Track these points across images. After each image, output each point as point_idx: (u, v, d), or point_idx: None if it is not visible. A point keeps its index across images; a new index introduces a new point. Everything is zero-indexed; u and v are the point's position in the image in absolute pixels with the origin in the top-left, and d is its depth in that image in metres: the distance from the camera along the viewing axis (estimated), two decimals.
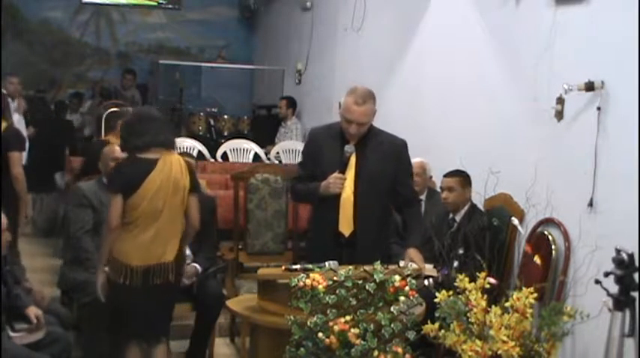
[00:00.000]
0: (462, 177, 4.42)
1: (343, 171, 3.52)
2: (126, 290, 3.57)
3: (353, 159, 3.56)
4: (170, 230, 3.65)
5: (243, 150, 7.77)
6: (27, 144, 6.29)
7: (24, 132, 6.28)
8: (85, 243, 4.37)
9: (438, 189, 5.05)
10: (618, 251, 2.40)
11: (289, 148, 7.77)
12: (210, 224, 4.64)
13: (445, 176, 4.49)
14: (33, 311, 3.60)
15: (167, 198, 3.61)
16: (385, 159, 3.60)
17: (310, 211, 3.97)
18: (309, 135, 3.87)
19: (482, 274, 3.02)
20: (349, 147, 3.52)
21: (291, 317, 2.87)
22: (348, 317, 2.85)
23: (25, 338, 3.53)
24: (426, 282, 3.94)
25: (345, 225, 3.56)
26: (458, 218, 4.41)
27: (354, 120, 3.50)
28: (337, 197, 3.54)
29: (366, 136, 3.59)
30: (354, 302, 2.93)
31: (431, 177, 5.09)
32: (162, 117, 3.93)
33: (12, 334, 3.52)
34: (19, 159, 4.96)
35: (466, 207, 4.41)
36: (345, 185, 3.54)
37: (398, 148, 3.67)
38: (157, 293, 3.62)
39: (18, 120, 6.17)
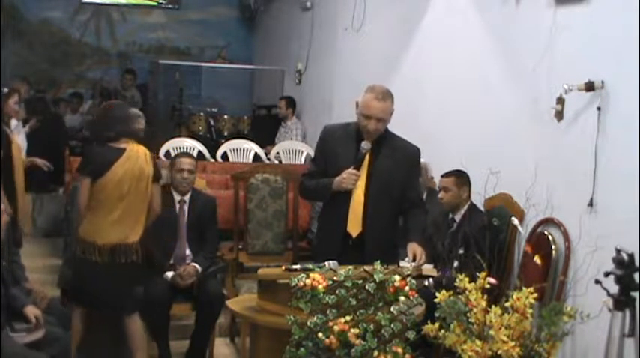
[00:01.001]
0: (457, 177, 4.41)
1: (358, 167, 3.51)
2: (93, 267, 3.89)
3: (366, 161, 3.55)
4: (134, 213, 3.99)
5: (243, 150, 7.76)
6: (25, 144, 6.31)
7: (22, 136, 6.29)
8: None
9: (437, 189, 5.05)
10: (618, 251, 2.40)
11: (289, 148, 7.77)
12: (210, 224, 4.66)
13: (442, 176, 4.50)
14: (32, 311, 3.61)
15: (132, 184, 3.95)
16: (398, 164, 3.60)
17: (313, 210, 3.96)
18: (323, 131, 3.79)
19: (483, 274, 3.02)
20: (366, 144, 3.51)
21: (291, 317, 2.86)
22: (348, 317, 2.85)
23: (25, 337, 3.53)
24: (426, 282, 3.94)
25: (354, 226, 3.56)
26: (457, 218, 4.41)
27: (373, 115, 3.49)
28: (348, 197, 3.54)
29: (382, 139, 3.59)
30: (354, 302, 2.93)
31: (432, 177, 5.09)
32: (130, 110, 4.28)
33: (11, 334, 3.52)
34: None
35: (465, 207, 4.41)
36: (357, 185, 3.53)
37: (412, 155, 3.69)
38: (122, 271, 3.92)
39: (15, 126, 6.15)
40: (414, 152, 3.70)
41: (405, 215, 3.71)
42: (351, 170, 3.49)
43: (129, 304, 4.03)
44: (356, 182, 3.50)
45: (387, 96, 3.55)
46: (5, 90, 4.88)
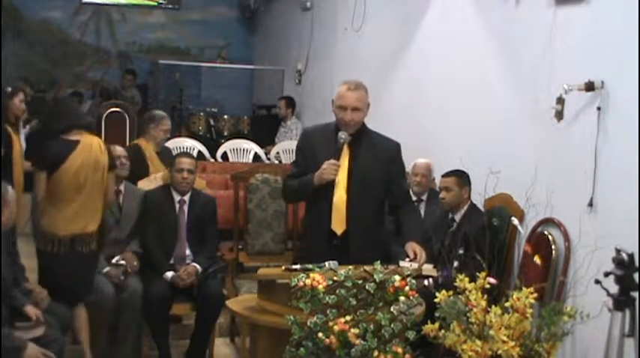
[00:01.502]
0: (458, 177, 4.42)
1: (337, 158, 3.52)
2: (53, 258, 4.02)
3: (346, 157, 3.56)
4: (92, 203, 4.13)
5: (243, 150, 7.77)
6: (24, 145, 6.29)
7: (22, 136, 6.28)
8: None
9: (438, 189, 5.05)
10: (618, 251, 2.40)
11: (289, 148, 7.77)
12: (210, 224, 4.65)
13: (443, 176, 4.49)
14: (31, 310, 3.62)
15: (88, 175, 4.08)
16: (378, 159, 3.61)
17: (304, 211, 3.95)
18: (302, 133, 3.88)
19: (483, 274, 3.02)
20: (343, 134, 3.52)
21: (291, 317, 2.86)
22: (348, 317, 2.85)
23: (25, 334, 3.53)
24: (425, 282, 3.94)
25: (338, 224, 3.56)
26: (457, 218, 4.41)
27: (347, 105, 3.52)
28: (330, 194, 3.55)
29: (360, 135, 3.60)
30: (354, 302, 2.93)
31: (434, 178, 5.09)
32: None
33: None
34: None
35: (465, 207, 4.41)
36: (339, 180, 3.53)
37: (392, 149, 3.69)
38: (82, 261, 4.07)
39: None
40: (394, 146, 3.70)
41: (397, 213, 3.71)
42: (330, 160, 3.49)
43: (86, 292, 4.15)
44: (336, 172, 3.49)
45: (359, 86, 3.58)
46: (9, 89, 4.88)
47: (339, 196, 3.55)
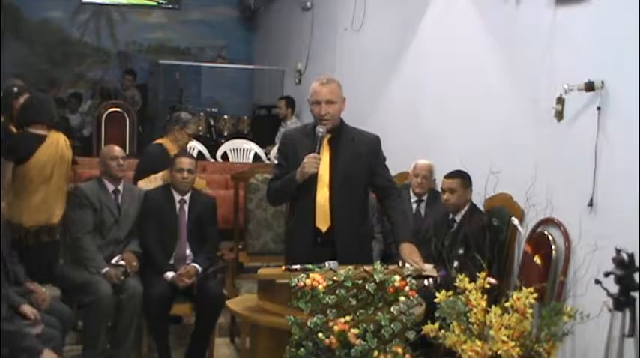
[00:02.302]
0: (463, 179, 4.41)
1: (318, 152, 3.52)
2: (19, 247, 4.14)
3: (327, 154, 3.58)
4: (57, 196, 4.40)
5: (243, 150, 7.78)
6: None
7: None
8: (85, 243, 4.39)
9: (439, 190, 5.05)
10: (618, 251, 2.40)
11: None
12: (211, 224, 4.65)
13: (446, 177, 4.47)
14: (28, 309, 3.63)
15: (55, 168, 4.36)
16: (359, 154, 3.63)
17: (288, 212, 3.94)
18: (282, 136, 3.87)
19: (483, 274, 3.02)
20: (321, 127, 3.54)
21: (291, 317, 2.86)
22: (348, 317, 2.85)
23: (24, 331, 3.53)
24: (425, 282, 3.94)
25: (322, 221, 3.57)
26: (458, 218, 4.40)
27: (321, 99, 3.55)
28: (313, 192, 3.56)
29: (339, 130, 3.63)
30: (354, 302, 2.93)
31: (434, 179, 5.09)
32: (49, 100, 4.77)
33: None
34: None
35: (466, 208, 4.41)
36: (320, 178, 3.54)
37: (371, 143, 3.71)
38: (45, 250, 4.32)
39: None
40: (373, 139, 3.72)
41: (384, 206, 3.74)
42: (310, 154, 3.50)
43: (49, 279, 4.27)
44: (318, 165, 3.50)
45: (331, 80, 3.63)
46: (15, 89, 4.93)
47: (322, 193, 3.57)
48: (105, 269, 4.32)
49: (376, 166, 3.70)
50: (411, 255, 3.45)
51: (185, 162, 4.56)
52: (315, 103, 3.58)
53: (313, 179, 3.54)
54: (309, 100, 3.64)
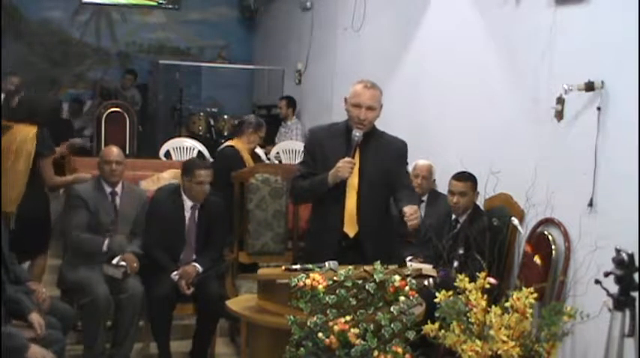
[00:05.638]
0: (473, 182, 4.37)
1: (352, 157, 3.50)
2: None
3: (357, 159, 3.55)
4: (15, 187, 4.53)
5: None
6: None
7: None
8: (81, 243, 4.39)
9: (439, 190, 5.05)
10: (618, 251, 2.40)
11: (289, 148, 7.77)
12: (215, 226, 4.61)
13: (457, 180, 4.40)
14: (36, 319, 3.59)
15: (10, 160, 4.51)
16: (388, 160, 3.61)
17: (310, 212, 3.92)
18: (309, 133, 3.85)
19: (483, 274, 3.02)
20: (357, 131, 3.51)
21: (291, 317, 2.86)
22: (348, 317, 2.85)
23: (25, 334, 3.53)
24: (425, 282, 3.93)
25: (350, 226, 3.55)
26: (461, 219, 4.39)
27: (362, 103, 3.51)
28: (341, 196, 3.53)
29: (370, 135, 3.59)
30: (354, 302, 2.92)
31: (434, 180, 5.09)
32: (42, 101, 4.92)
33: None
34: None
35: (470, 209, 4.39)
36: (349, 183, 3.52)
37: (400, 148, 3.70)
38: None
39: None
40: (402, 146, 3.72)
41: (395, 200, 3.68)
42: (345, 158, 3.47)
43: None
44: (352, 170, 3.48)
45: (375, 85, 3.59)
46: (12, 87, 4.97)
47: (351, 199, 3.54)
48: (105, 270, 4.32)
49: (400, 172, 3.68)
50: (411, 215, 3.39)
51: (205, 175, 4.50)
52: (356, 106, 3.52)
53: (342, 182, 3.51)
54: (347, 100, 3.58)
